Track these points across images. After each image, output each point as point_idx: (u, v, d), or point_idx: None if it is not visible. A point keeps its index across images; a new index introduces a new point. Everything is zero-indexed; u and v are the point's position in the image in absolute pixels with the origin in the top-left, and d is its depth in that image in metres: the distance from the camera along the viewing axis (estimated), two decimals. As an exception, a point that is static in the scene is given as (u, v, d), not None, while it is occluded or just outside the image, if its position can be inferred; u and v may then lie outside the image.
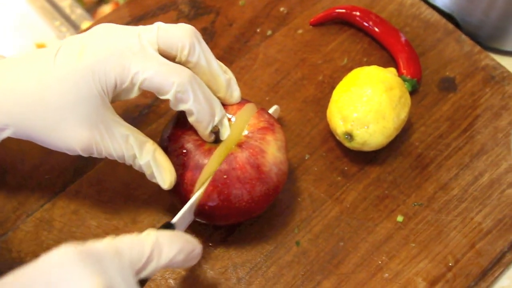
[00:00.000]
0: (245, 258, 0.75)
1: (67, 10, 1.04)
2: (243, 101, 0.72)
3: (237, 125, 0.70)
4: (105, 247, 0.55)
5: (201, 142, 0.69)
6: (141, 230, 0.76)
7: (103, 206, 0.78)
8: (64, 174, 0.80)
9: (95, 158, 0.79)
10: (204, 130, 0.68)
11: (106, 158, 0.67)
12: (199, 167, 0.68)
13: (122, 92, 0.66)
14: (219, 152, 0.69)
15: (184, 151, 0.69)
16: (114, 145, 0.66)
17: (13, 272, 0.51)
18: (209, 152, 0.68)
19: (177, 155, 0.69)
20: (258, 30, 0.90)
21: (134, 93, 0.66)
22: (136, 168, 0.69)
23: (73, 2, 1.05)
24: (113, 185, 0.79)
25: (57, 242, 0.75)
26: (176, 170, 0.69)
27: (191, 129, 0.69)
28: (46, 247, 0.75)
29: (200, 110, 0.67)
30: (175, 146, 0.70)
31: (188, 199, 0.69)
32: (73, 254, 0.52)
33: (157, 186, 0.69)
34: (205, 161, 0.68)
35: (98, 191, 0.78)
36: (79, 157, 0.78)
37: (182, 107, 0.66)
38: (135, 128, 0.68)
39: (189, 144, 0.69)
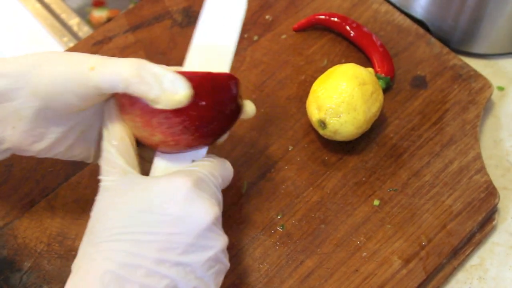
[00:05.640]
0: (232, 242, 0.75)
1: (75, 28, 1.06)
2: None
3: None
4: (205, 174, 0.63)
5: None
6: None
7: (103, 195, 0.78)
8: (66, 167, 0.81)
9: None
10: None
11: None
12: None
13: None
14: None
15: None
16: None
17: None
18: None
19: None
20: (245, 36, 0.91)
21: None
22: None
23: (81, 21, 1.07)
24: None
25: (59, 228, 0.76)
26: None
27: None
28: (49, 234, 0.76)
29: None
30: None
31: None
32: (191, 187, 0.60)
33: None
34: None
35: (98, 181, 0.78)
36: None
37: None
38: None
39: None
